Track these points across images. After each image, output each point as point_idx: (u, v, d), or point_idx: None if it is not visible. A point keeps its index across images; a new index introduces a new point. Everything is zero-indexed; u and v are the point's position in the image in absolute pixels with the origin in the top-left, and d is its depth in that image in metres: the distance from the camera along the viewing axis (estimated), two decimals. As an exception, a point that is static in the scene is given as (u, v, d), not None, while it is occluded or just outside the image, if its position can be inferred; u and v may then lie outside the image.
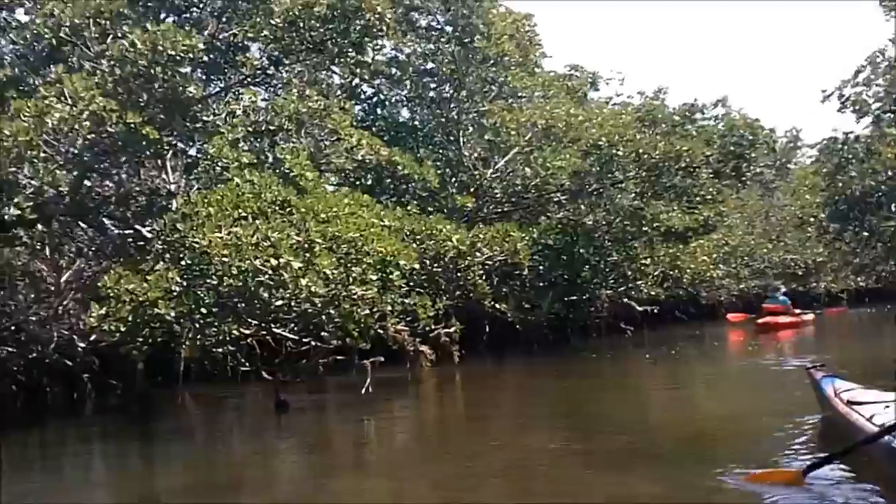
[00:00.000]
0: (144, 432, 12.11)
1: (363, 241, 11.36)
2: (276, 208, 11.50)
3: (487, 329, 23.05)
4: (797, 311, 29.01)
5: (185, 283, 10.45)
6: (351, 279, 11.75)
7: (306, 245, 10.42)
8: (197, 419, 13.72)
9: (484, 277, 20.28)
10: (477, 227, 15.62)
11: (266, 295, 10.14)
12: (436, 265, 14.85)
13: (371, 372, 12.37)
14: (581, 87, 26.27)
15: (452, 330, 16.73)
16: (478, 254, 14.88)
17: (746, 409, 10.63)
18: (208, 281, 10.37)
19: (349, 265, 11.74)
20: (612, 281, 23.79)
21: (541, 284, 22.44)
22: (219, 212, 10.81)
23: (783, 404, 10.45)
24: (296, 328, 12.33)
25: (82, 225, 15.92)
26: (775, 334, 25.49)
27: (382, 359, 11.86)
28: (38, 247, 15.07)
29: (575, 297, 22.78)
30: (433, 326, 16.24)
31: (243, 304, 10.63)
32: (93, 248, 16.65)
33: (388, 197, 18.63)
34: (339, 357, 12.08)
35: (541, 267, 22.06)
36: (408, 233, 14.50)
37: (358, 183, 18.47)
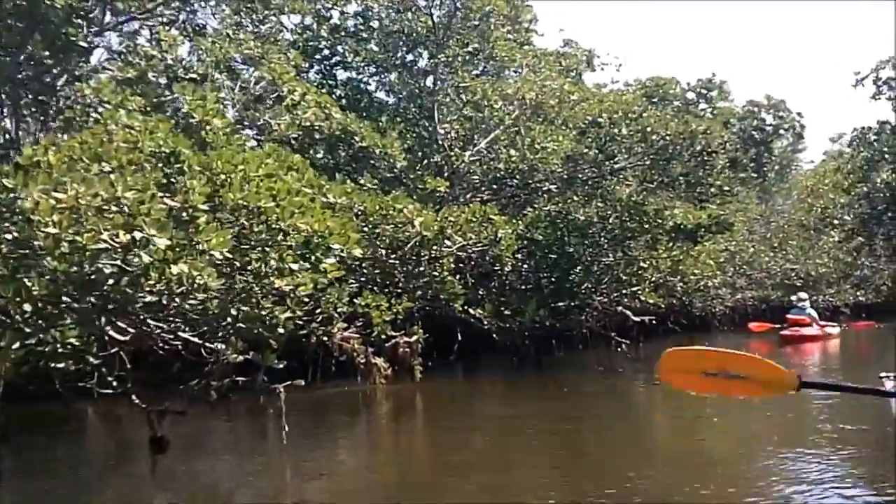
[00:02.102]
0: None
1: (280, 214, 7.95)
2: (160, 164, 8.06)
3: (459, 338, 19.75)
4: (822, 323, 27.01)
5: (7, 266, 7.01)
6: (264, 267, 8.39)
7: (185, 215, 6.99)
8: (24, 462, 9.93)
9: (456, 275, 17.09)
10: (447, 208, 12.17)
11: (116, 284, 6.68)
12: (393, 256, 11.46)
13: (284, 401, 8.87)
14: (576, 65, 23.03)
15: (414, 339, 13.35)
16: (448, 242, 11.38)
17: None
18: (40, 262, 6.91)
19: (266, 248, 8.37)
20: (605, 285, 20.48)
21: (524, 287, 19.12)
22: (67, 163, 7.37)
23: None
24: (192, 335, 8.86)
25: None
26: (800, 347, 23.18)
27: (302, 382, 8.49)
28: None
29: (563, 304, 19.48)
30: (390, 334, 12.94)
31: (94, 299, 7.16)
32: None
33: (343, 175, 15.26)
34: (238, 379, 8.61)
35: (524, 266, 18.76)
36: (358, 212, 11.11)
37: (305, 156, 15.06)
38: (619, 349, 21.62)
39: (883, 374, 8.79)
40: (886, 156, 20.56)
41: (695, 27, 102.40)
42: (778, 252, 34.30)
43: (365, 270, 11.52)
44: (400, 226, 10.88)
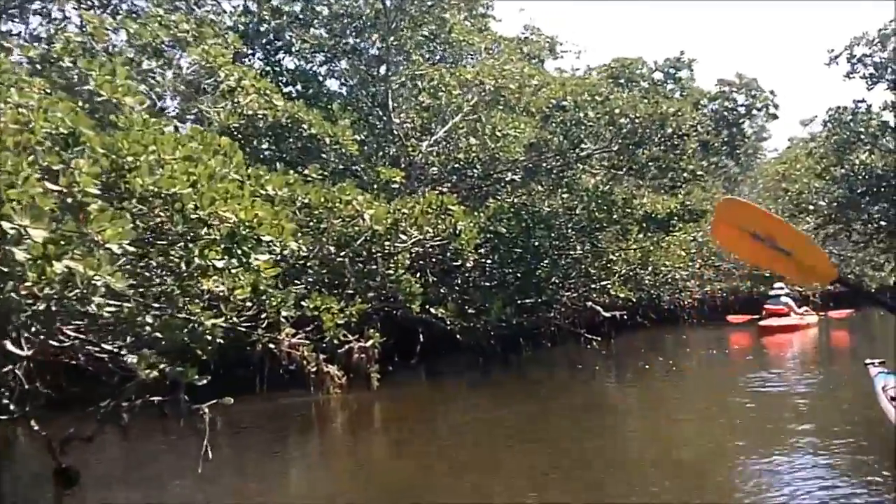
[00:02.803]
0: None
1: (198, 201, 6.76)
2: (56, 147, 6.81)
3: (422, 339, 18.62)
4: (800, 312, 27.06)
5: None
6: (186, 266, 7.21)
7: (72, 201, 5.77)
8: None
9: (416, 273, 15.99)
10: (401, 199, 11.01)
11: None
12: (342, 253, 10.29)
13: (226, 416, 7.65)
14: (538, 52, 22.00)
15: (370, 343, 12.18)
16: (402, 237, 10.22)
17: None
18: None
19: (189, 243, 7.18)
20: (573, 280, 19.47)
21: (488, 284, 18.05)
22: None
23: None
24: (102, 347, 7.62)
25: None
26: (779, 337, 22.99)
27: (231, 400, 7.29)
28: None
29: (530, 300, 18.44)
30: (343, 339, 11.78)
31: None
32: None
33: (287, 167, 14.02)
34: (155, 398, 7.32)
35: (488, 261, 17.69)
36: (301, 206, 9.91)
37: (248, 149, 13.82)
38: (588, 346, 20.62)
39: (868, 361, 8.95)
40: (863, 136, 19.73)
41: (656, 13, 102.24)
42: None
43: (311, 270, 10.35)
44: (348, 219, 9.71)
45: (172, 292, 7.47)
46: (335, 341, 11.67)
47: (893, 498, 6.27)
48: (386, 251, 10.00)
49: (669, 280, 26.39)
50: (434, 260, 16.58)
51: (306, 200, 9.99)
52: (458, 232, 9.86)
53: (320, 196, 9.77)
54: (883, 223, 20.11)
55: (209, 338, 7.43)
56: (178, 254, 7.35)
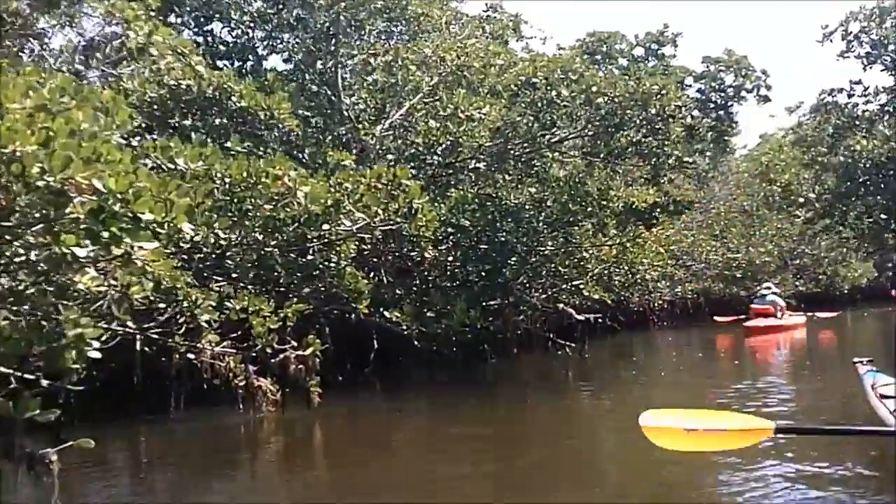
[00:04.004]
0: None
1: (45, 162, 4.84)
2: None
3: (376, 346, 16.72)
4: (789, 313, 26.54)
5: None
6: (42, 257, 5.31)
7: None
8: None
9: (369, 272, 14.19)
10: (344, 172, 8.97)
11: None
12: (272, 242, 8.35)
13: (57, 475, 5.63)
14: (501, 30, 20.21)
15: (308, 352, 10.25)
16: (346, 222, 8.22)
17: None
18: None
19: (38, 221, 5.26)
20: (543, 279, 17.67)
21: (449, 284, 16.22)
22: None
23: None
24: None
25: None
26: (765, 339, 22.48)
27: (92, 442, 5.30)
28: None
29: (496, 302, 16.65)
30: (277, 346, 9.91)
31: None
32: None
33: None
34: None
35: (450, 258, 15.89)
36: (219, 180, 7.97)
37: (176, 125, 11.82)
38: (559, 352, 18.87)
39: (857, 360, 8.93)
40: (857, 122, 18.14)
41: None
42: (719, 240, 32.15)
43: (232, 263, 8.38)
44: (278, 199, 7.79)
45: (24, 291, 5.54)
46: (268, 350, 9.85)
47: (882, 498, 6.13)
48: (325, 238, 8.02)
49: (639, 280, 24.83)
50: (389, 257, 14.72)
51: (226, 177, 8.07)
52: (413, 211, 7.88)
53: (242, 170, 7.83)
54: (883, 217, 18.51)
55: (73, 350, 5.49)
56: (30, 240, 5.43)
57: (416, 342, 14.37)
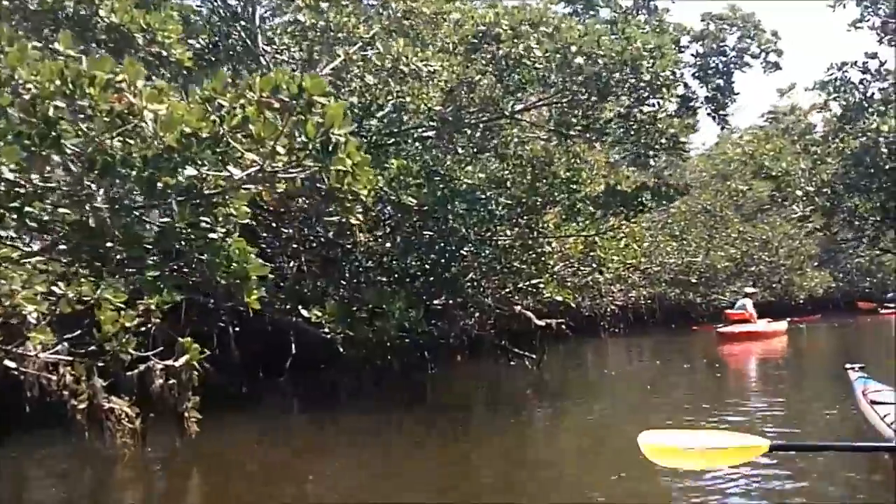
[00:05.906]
0: None
1: None
2: None
3: (294, 350, 13.74)
4: (767, 319, 25.64)
5: None
6: None
7: None
8: None
9: (288, 260, 11.26)
10: (217, 79, 5.94)
11: None
12: (100, 188, 5.26)
13: None
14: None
15: (181, 362, 7.20)
16: (228, 169, 5.14)
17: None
18: None
19: None
20: (497, 276, 14.81)
21: (386, 278, 13.27)
22: None
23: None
24: None
25: None
26: (741, 346, 21.56)
27: None
28: None
29: (442, 301, 13.79)
30: (137, 354, 6.95)
31: None
32: None
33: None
34: None
35: (387, 245, 12.99)
36: (24, 90, 4.92)
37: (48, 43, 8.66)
38: (512, 362, 16.09)
39: (848, 366, 8.89)
40: (873, 103, 15.61)
41: None
42: (678, 241, 29.84)
43: (43, 221, 5.22)
44: (113, 122, 4.77)
45: None
46: (121, 357, 6.89)
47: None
48: (193, 190, 4.94)
49: (591, 283, 22.31)
50: (311, 239, 11.73)
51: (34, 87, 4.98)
52: (331, 147, 4.82)
53: (54, 74, 4.79)
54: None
55: None
56: None
57: (340, 348, 11.40)
